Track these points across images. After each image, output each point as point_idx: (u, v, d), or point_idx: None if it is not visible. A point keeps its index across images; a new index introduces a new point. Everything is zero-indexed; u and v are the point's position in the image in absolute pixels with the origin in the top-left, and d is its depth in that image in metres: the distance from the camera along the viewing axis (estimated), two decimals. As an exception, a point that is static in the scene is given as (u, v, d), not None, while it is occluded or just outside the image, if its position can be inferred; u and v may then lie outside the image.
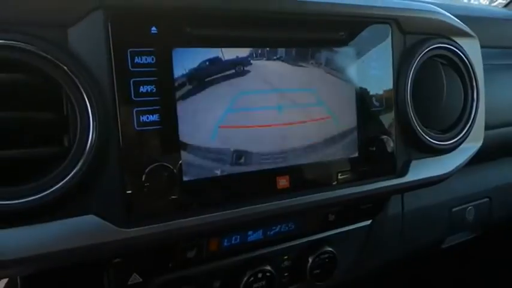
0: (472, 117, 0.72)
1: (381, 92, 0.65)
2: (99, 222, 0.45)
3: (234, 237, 0.61)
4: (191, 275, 0.61)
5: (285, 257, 0.69)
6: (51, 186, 0.42)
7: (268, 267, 0.65)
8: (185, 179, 0.50)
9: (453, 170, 0.71)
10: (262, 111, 0.55)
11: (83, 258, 0.46)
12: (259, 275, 0.65)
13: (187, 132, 0.50)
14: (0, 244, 0.41)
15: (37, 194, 0.42)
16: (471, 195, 0.96)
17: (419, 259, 1.10)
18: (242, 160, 0.54)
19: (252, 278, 0.64)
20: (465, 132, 0.72)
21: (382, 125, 0.65)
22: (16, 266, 0.43)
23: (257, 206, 0.54)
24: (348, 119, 0.62)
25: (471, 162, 0.75)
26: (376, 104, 0.64)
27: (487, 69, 0.78)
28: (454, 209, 0.93)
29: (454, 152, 0.72)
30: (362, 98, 0.62)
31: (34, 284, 0.50)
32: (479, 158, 0.77)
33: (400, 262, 0.92)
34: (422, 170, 0.68)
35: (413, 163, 0.68)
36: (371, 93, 0.64)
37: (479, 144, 0.77)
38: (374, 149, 0.63)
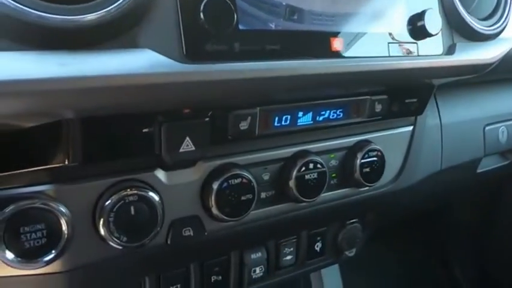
0: (509, 5, 0.71)
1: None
2: (156, 56, 0.41)
3: (284, 117, 0.57)
4: (242, 162, 0.57)
5: (333, 155, 0.66)
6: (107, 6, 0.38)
7: (319, 159, 0.61)
8: (241, 27, 0.47)
9: (498, 56, 0.69)
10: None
11: (140, 96, 0.42)
12: (311, 166, 0.61)
13: (241, -22, 0.47)
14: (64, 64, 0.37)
15: (95, 11, 0.38)
16: (503, 115, 0.94)
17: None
18: (295, 16, 0.51)
19: (303, 168, 0.60)
20: (505, 19, 0.70)
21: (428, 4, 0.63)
22: (76, 95, 0.38)
23: (311, 61, 0.51)
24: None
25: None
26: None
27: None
28: (487, 127, 0.91)
29: (497, 40, 0.70)
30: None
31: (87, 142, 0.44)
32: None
33: (439, 189, 0.89)
34: (469, 52, 0.66)
35: (459, 45, 0.65)
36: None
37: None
38: (422, 23, 0.61)
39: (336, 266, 0.94)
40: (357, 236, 0.79)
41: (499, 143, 0.93)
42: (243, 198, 0.55)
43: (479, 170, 0.94)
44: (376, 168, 0.68)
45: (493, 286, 1.68)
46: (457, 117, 0.86)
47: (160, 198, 0.50)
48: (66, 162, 0.44)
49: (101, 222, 0.47)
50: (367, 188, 0.69)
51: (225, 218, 0.54)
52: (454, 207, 1.75)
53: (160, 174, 0.51)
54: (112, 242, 0.47)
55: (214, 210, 0.54)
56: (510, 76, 0.95)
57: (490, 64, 0.69)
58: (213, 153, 0.55)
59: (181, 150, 0.49)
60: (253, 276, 0.68)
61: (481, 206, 1.70)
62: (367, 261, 1.75)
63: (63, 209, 0.45)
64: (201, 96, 0.46)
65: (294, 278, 0.77)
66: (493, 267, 1.69)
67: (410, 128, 0.75)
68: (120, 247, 0.48)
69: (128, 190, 0.48)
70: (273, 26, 0.50)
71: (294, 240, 0.72)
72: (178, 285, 0.62)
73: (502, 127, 0.94)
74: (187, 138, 0.49)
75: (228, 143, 0.55)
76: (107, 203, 0.47)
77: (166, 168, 0.52)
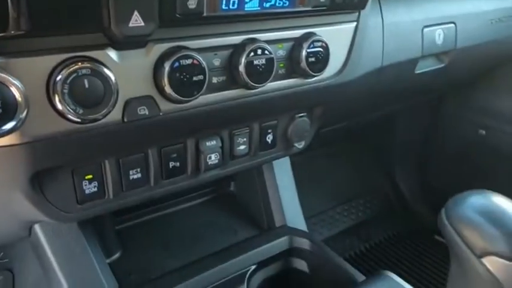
0: None
1: None
2: None
3: (232, 1, 0.59)
4: (193, 46, 0.59)
5: (281, 46, 0.69)
6: None
7: (267, 46, 0.65)
8: None
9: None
10: None
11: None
12: (259, 52, 0.64)
13: None
14: None
15: None
16: (441, 18, 1.00)
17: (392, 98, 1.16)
18: None
19: (252, 54, 0.63)
20: None
21: None
22: None
23: None
24: None
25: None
26: None
27: None
28: (425, 29, 0.97)
29: None
30: None
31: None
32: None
33: (381, 86, 0.96)
34: None
35: None
36: None
37: None
38: None
39: (287, 161, 1.02)
40: (305, 129, 0.85)
41: (435, 45, 1.01)
42: (194, 78, 0.58)
43: (417, 71, 1.02)
44: (321, 59, 0.72)
45: (431, 193, 1.88)
46: (398, 17, 0.91)
47: (114, 75, 0.52)
48: (12, 32, 0.44)
49: (56, 94, 0.48)
50: (313, 78, 0.74)
51: (178, 97, 0.57)
52: (398, 125, 1.90)
53: (112, 53, 0.53)
54: (69, 114, 0.49)
55: (167, 90, 0.56)
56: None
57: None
58: (164, 35, 0.56)
59: (130, 24, 0.50)
60: (209, 163, 0.73)
61: (422, 124, 1.84)
62: (318, 165, 1.89)
63: (15, 81, 0.46)
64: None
65: (247, 169, 0.83)
66: (431, 177, 1.88)
67: (354, 24, 0.79)
68: (77, 119, 0.50)
69: (80, 64, 0.49)
70: None
71: (247, 131, 0.77)
72: (138, 169, 0.66)
73: (439, 30, 1.00)
74: (136, 12, 0.50)
75: (177, 26, 0.57)
76: (60, 75, 0.48)
77: (117, 47, 0.53)
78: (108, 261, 0.85)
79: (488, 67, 1.45)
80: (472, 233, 0.43)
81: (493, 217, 0.43)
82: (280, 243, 0.90)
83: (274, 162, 0.98)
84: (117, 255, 0.90)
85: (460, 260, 0.45)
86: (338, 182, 1.95)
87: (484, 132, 1.62)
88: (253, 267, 0.85)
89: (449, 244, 0.46)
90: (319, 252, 0.88)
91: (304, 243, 0.90)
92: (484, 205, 0.45)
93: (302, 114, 0.84)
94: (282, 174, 1.00)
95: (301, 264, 0.89)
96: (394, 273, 0.69)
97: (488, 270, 0.42)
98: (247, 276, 0.83)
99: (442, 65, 1.08)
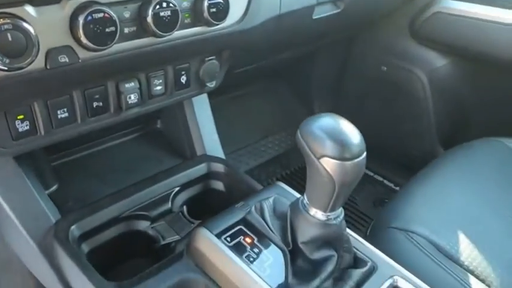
0: None
1: None
2: None
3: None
4: (103, 0, 0.68)
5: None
6: None
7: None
8: None
9: None
10: None
11: None
12: (164, 5, 0.75)
13: None
14: None
15: None
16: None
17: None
18: None
19: (158, 6, 0.73)
20: None
21: None
22: None
23: None
24: None
25: None
26: None
27: None
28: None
29: None
30: None
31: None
32: None
33: (283, 31, 1.10)
34: None
35: None
36: None
37: None
38: None
39: (206, 98, 1.16)
40: (215, 70, 0.99)
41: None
42: (107, 30, 0.68)
43: (314, 17, 1.17)
44: (222, 9, 0.84)
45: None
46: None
47: (33, 29, 0.61)
48: None
49: (-18, 47, 0.57)
50: (216, 27, 0.86)
51: (94, 46, 0.68)
52: (317, 62, 2.09)
53: (30, 9, 0.61)
54: None
55: (83, 40, 0.66)
56: None
57: None
58: None
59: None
60: (129, 102, 0.85)
61: (337, 61, 2.04)
62: (245, 103, 2.07)
63: None
64: None
65: (166, 106, 0.96)
66: (344, 109, 2.12)
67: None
68: (4, 68, 0.60)
69: (2, 20, 0.58)
70: None
71: (162, 73, 0.89)
72: (65, 109, 0.77)
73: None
74: None
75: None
76: (-17, 31, 0.57)
77: (34, 3, 0.62)
78: (46, 192, 0.97)
79: (386, 10, 1.64)
80: (314, 143, 0.61)
81: (329, 131, 0.61)
82: (200, 169, 1.06)
83: (194, 100, 1.12)
84: (54, 188, 1.01)
85: (310, 163, 0.63)
86: (263, 117, 2.15)
87: (385, 68, 1.86)
88: (176, 189, 1.01)
89: (302, 152, 0.64)
90: (233, 174, 1.06)
91: (220, 168, 1.07)
92: (326, 123, 0.62)
93: (211, 58, 0.97)
94: (201, 110, 1.14)
95: (218, 185, 1.07)
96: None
97: (324, 168, 0.61)
98: (171, 196, 0.99)
99: (338, 10, 1.24)
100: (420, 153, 1.88)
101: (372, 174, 2.03)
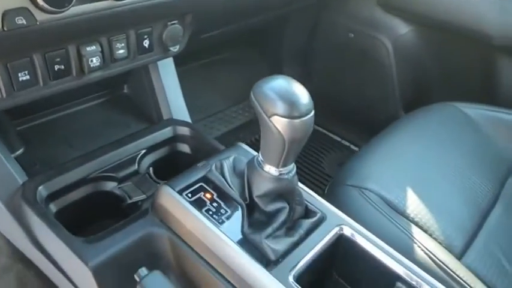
0: None
1: None
2: None
3: None
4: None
5: None
6: None
7: None
8: None
9: None
10: None
11: None
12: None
13: None
14: None
15: None
16: None
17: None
18: None
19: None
20: None
21: None
22: None
23: None
24: None
25: None
26: None
27: None
28: None
29: None
30: None
31: None
32: None
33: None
34: None
35: None
36: None
37: None
38: None
39: (171, 63, 1.17)
40: (179, 34, 1.00)
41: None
42: (64, -8, 0.69)
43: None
44: None
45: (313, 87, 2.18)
46: None
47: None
48: None
49: None
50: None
51: (51, 8, 0.69)
52: (287, 29, 2.11)
53: (-16, -30, 0.62)
54: None
55: (40, 2, 0.67)
56: None
57: None
58: None
59: None
60: (91, 65, 0.86)
61: (307, 27, 2.06)
62: (215, 70, 2.09)
63: None
64: None
65: (130, 70, 0.98)
66: (313, 75, 2.16)
67: None
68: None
69: (-45, -20, 0.58)
70: None
71: (124, 37, 0.90)
72: (26, 72, 0.78)
73: None
74: None
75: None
76: None
77: (-13, -36, 0.62)
78: (13, 155, 0.99)
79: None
80: (265, 102, 0.65)
81: (279, 92, 0.65)
82: (166, 132, 1.09)
83: (159, 65, 1.13)
84: (20, 151, 1.03)
85: (262, 122, 0.67)
86: (234, 84, 2.17)
87: (352, 35, 1.89)
88: (143, 151, 1.05)
89: (255, 111, 0.68)
90: (198, 137, 1.09)
91: (185, 131, 1.10)
92: (277, 84, 0.66)
93: (174, 22, 0.98)
94: (167, 75, 1.16)
95: (184, 147, 1.11)
96: None
97: (274, 126, 0.66)
98: (137, 158, 1.03)
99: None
100: (384, 117, 1.96)
101: (339, 139, 2.11)
